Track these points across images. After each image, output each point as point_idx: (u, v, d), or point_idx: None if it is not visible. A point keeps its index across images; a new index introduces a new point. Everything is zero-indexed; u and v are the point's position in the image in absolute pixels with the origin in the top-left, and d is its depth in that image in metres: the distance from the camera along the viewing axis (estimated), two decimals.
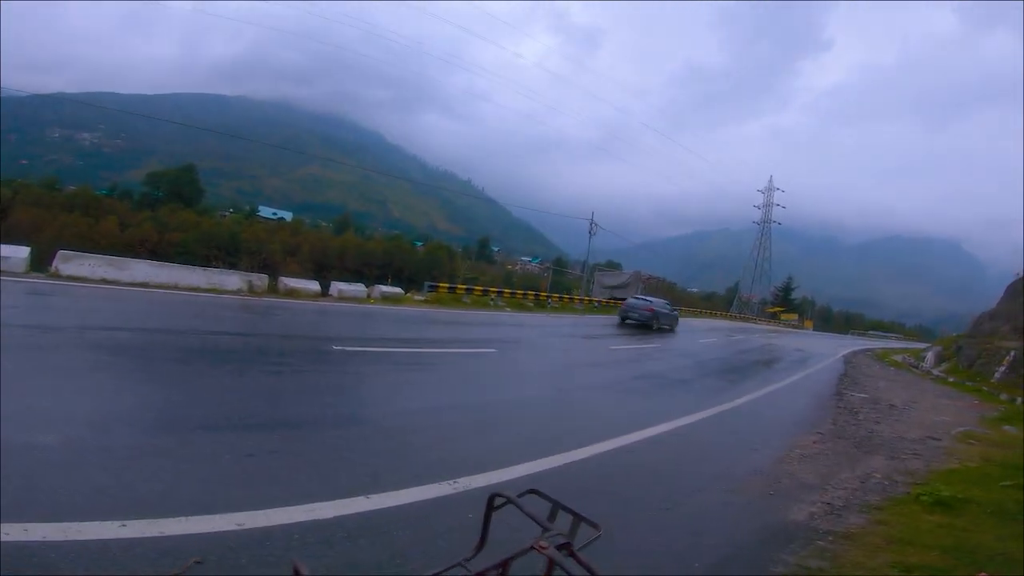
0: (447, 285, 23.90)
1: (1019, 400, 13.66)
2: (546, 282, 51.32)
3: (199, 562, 2.46)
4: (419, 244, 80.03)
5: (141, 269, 12.83)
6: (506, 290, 28.11)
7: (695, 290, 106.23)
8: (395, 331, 12.34)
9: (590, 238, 41.46)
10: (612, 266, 55.66)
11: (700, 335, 24.37)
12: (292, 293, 15.10)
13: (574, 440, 5.29)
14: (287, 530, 2.86)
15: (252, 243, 51.71)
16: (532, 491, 1.23)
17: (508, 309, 22.97)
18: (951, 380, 17.92)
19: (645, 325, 22.34)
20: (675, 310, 26.84)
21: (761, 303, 69.98)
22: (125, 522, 2.64)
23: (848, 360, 21.86)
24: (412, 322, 14.32)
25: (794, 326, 59.70)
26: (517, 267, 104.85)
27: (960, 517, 4.43)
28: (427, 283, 23.69)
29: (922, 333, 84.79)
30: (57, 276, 11.25)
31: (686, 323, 27.27)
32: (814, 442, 6.93)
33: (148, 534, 2.60)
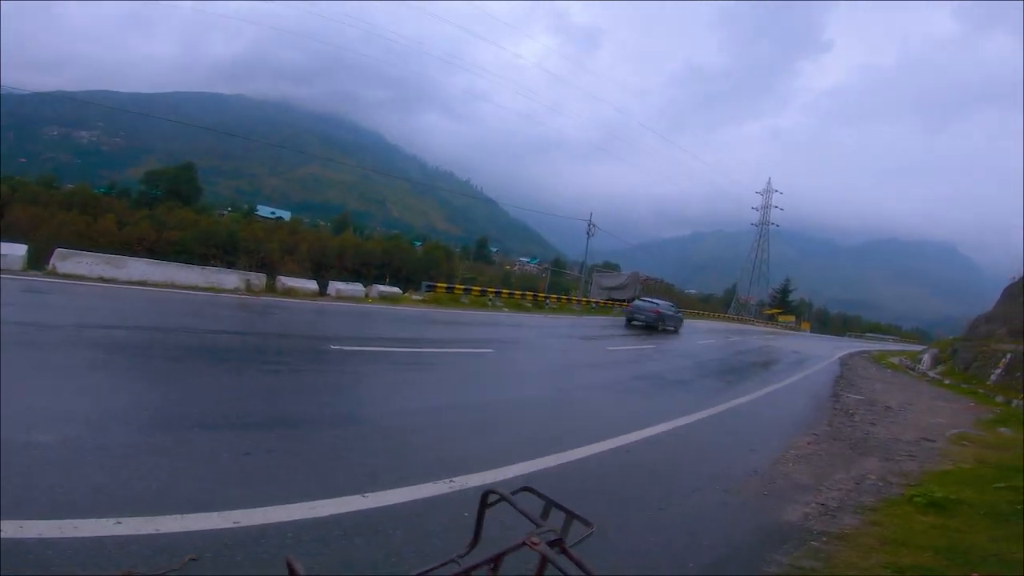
0: (445, 285, 23.89)
1: (1015, 402, 13.70)
2: (544, 283, 51.36)
3: (194, 559, 2.47)
4: (417, 244, 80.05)
5: (139, 267, 12.82)
6: (504, 290, 28.11)
7: (692, 291, 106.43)
8: (393, 331, 12.34)
9: (588, 239, 41.51)
10: (610, 267, 55.68)
11: (698, 336, 24.40)
12: (290, 292, 15.10)
13: (571, 440, 5.31)
14: (283, 528, 2.87)
15: (250, 242, 51.72)
16: (526, 489, 1.24)
17: (506, 309, 22.98)
18: (947, 382, 17.97)
19: (651, 326, 22.60)
20: (679, 312, 27.18)
21: (759, 305, 70.03)
22: (121, 519, 2.65)
23: (845, 362, 21.91)
24: (410, 322, 14.32)
25: (791, 328, 59.77)
26: (515, 267, 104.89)
27: (953, 518, 4.45)
28: (425, 283, 23.70)
29: (919, 335, 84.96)
30: (54, 274, 11.24)
31: (684, 324, 27.32)
32: (809, 443, 6.95)
33: (144, 531, 2.61)
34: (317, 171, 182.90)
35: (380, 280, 30.25)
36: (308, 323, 11.55)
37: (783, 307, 70.61)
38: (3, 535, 2.38)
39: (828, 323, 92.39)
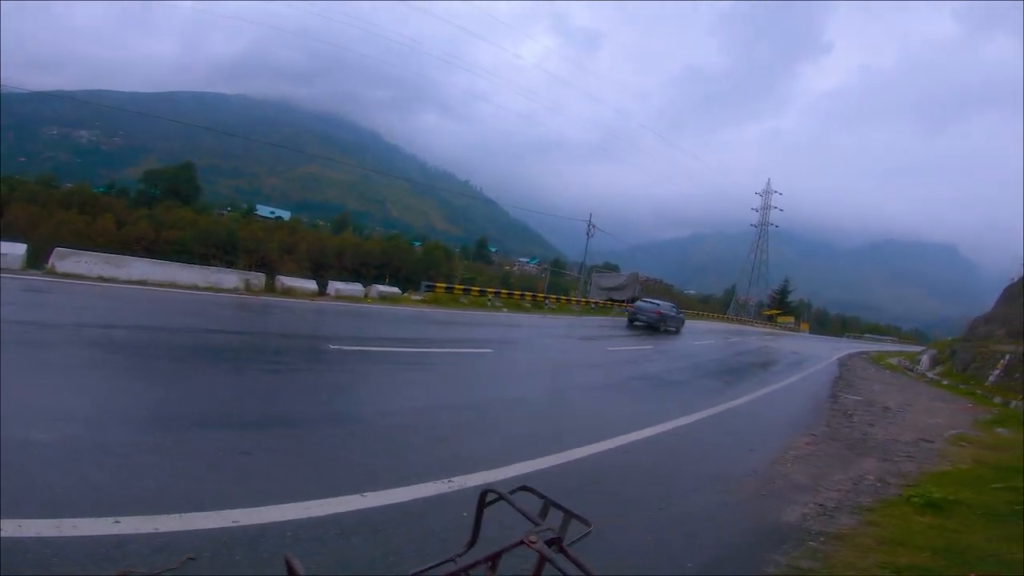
0: (444, 285, 23.88)
1: (1013, 403, 13.72)
2: (543, 283, 51.33)
3: (192, 558, 2.47)
4: (417, 244, 79.94)
5: (138, 267, 12.81)
6: (503, 291, 28.10)
7: (692, 292, 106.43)
8: (392, 331, 12.34)
9: (587, 239, 41.53)
10: (609, 268, 55.69)
11: (697, 337, 24.41)
12: (289, 292, 15.09)
13: (570, 440, 5.31)
14: (282, 527, 2.87)
15: (250, 242, 51.64)
16: (524, 488, 1.24)
17: (505, 310, 22.98)
18: (945, 383, 17.99)
19: (653, 327, 22.88)
20: (681, 313, 27.47)
21: (758, 306, 70.06)
22: (119, 518, 2.65)
23: (843, 363, 21.94)
24: (409, 322, 14.32)
25: (790, 329, 59.81)
26: (515, 268, 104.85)
27: (951, 519, 4.46)
28: (424, 283, 23.68)
29: (918, 336, 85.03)
30: (53, 273, 11.23)
31: (684, 325, 27.42)
32: (808, 444, 6.96)
33: (142, 530, 2.61)
34: (317, 171, 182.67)
35: (379, 280, 30.22)
36: (307, 323, 11.55)
37: (782, 308, 70.60)
38: (2, 534, 2.38)
39: (827, 324, 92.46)
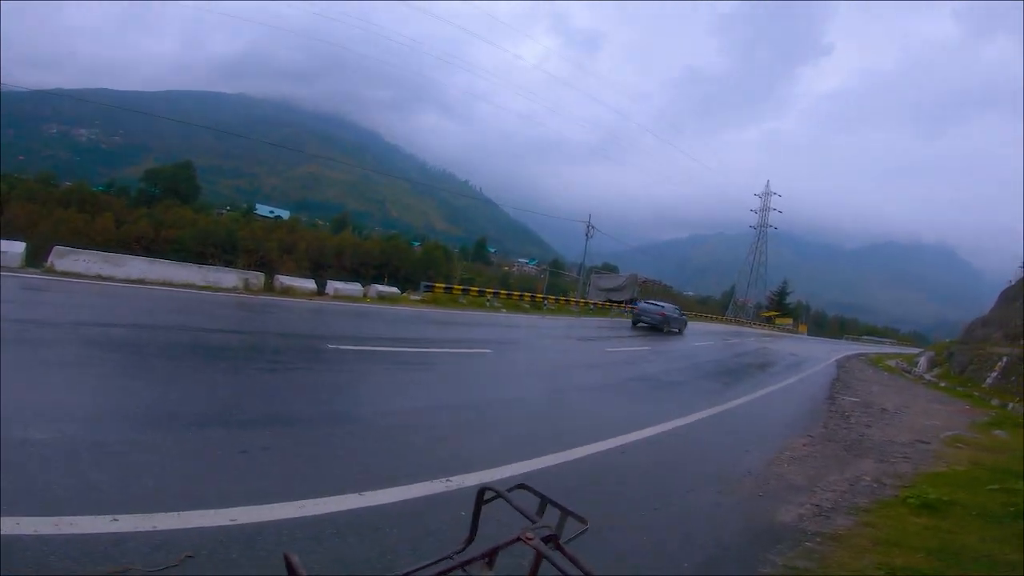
0: (443, 285, 23.90)
1: (1010, 405, 13.76)
2: (542, 284, 51.31)
3: (191, 556, 2.48)
4: (416, 244, 79.90)
5: (137, 266, 12.81)
6: (502, 291, 28.11)
7: (691, 294, 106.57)
8: (391, 331, 12.34)
9: (587, 240, 41.54)
10: (608, 269, 55.73)
11: (696, 338, 24.44)
12: (288, 291, 15.09)
13: (568, 440, 5.33)
14: (280, 526, 2.88)
15: (249, 241, 51.58)
16: (521, 486, 1.25)
17: (504, 310, 22.99)
18: (943, 385, 18.03)
19: (656, 327, 23.43)
20: (683, 314, 28.00)
21: (756, 307, 70.13)
22: (117, 516, 2.66)
23: (841, 365, 21.96)
24: (408, 322, 14.33)
25: (789, 330, 59.87)
26: (514, 268, 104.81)
27: (946, 519, 4.48)
28: (423, 283, 23.69)
29: (916, 339, 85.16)
30: (52, 272, 11.22)
31: (686, 327, 27.57)
32: (805, 445, 6.98)
33: (140, 528, 2.62)
34: (316, 170, 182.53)
35: (378, 280, 30.21)
36: (306, 322, 11.55)
37: (781, 310, 70.67)
38: (1, 532, 2.38)
39: (825, 326, 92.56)
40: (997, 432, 9.64)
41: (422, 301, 19.89)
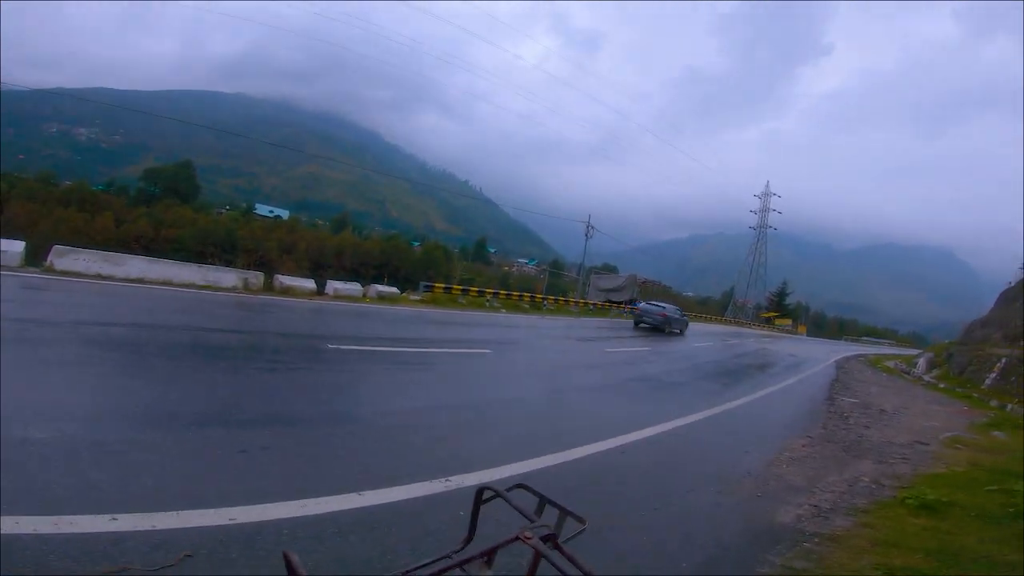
0: (443, 285, 23.92)
1: (1009, 406, 13.78)
2: (542, 284, 51.32)
3: (189, 556, 2.48)
4: (416, 244, 79.92)
5: (136, 265, 12.80)
6: (502, 291, 28.12)
7: (690, 294, 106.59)
8: (390, 330, 12.35)
9: (586, 241, 41.57)
10: (608, 269, 55.76)
11: (695, 339, 24.46)
12: (288, 291, 15.09)
13: (568, 440, 5.33)
14: (279, 525, 2.88)
15: (248, 241, 51.49)
16: (520, 486, 1.25)
17: (504, 310, 23.00)
18: (942, 386, 18.05)
19: (658, 328, 23.74)
20: (685, 315, 28.38)
21: (756, 308, 70.17)
22: (116, 516, 2.66)
23: (841, 365, 21.98)
24: (408, 322, 14.33)
25: (788, 331, 59.93)
26: (513, 268, 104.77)
27: (944, 520, 4.49)
28: (423, 283, 23.70)
29: (915, 340, 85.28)
30: (52, 271, 11.22)
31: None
32: (804, 446, 6.99)
33: (139, 528, 2.62)
34: (316, 170, 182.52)
35: (378, 280, 30.18)
36: (305, 322, 11.56)
37: (780, 310, 70.72)
38: (1, 531, 2.38)
39: (824, 327, 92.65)
40: (996, 433, 9.65)
41: (422, 301, 19.89)
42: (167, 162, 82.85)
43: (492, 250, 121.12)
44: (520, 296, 27.49)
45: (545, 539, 1.01)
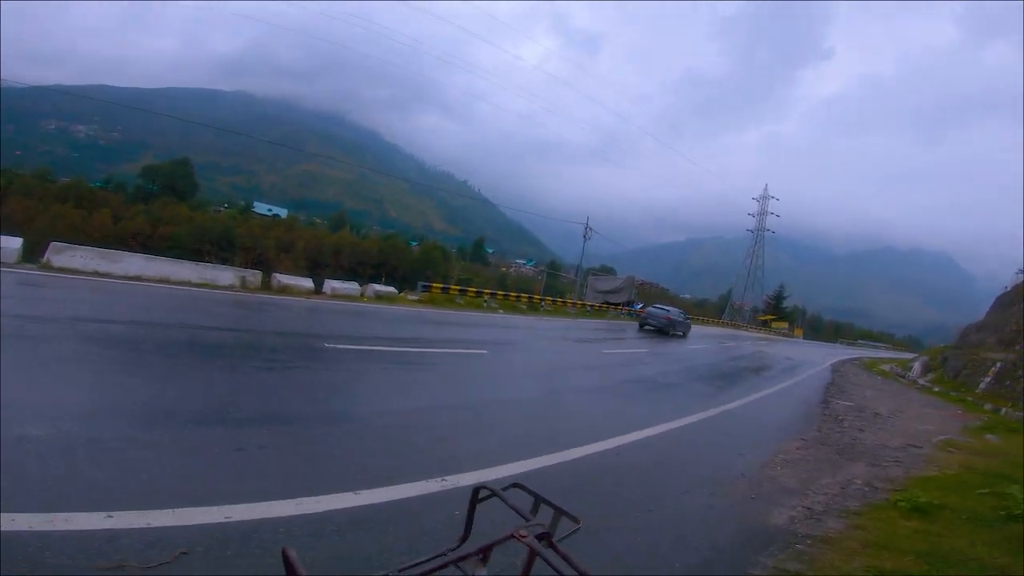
0: (441, 285, 23.92)
1: (1004, 410, 13.86)
2: (540, 285, 51.36)
3: (185, 553, 2.49)
4: (414, 244, 79.94)
5: (134, 262, 12.78)
6: (500, 292, 28.14)
7: (687, 296, 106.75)
8: (388, 330, 12.35)
9: (584, 242, 41.62)
10: (606, 271, 55.89)
11: (692, 341, 24.54)
12: (285, 290, 15.07)
13: (563, 441, 5.35)
14: (275, 523, 2.90)
15: (246, 239, 51.42)
16: (515, 485, 1.27)
17: (501, 311, 23.01)
18: (936, 390, 18.13)
19: (662, 331, 24.42)
20: (688, 319, 29.06)
21: (753, 311, 70.30)
22: (112, 513, 2.67)
23: (836, 369, 22.06)
24: (405, 322, 14.33)
25: (784, 334, 60.04)
26: (511, 269, 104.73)
27: (936, 523, 4.53)
28: (421, 283, 23.70)
29: (911, 344, 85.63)
30: (49, 267, 11.19)
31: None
32: (798, 448, 7.02)
33: (135, 525, 2.63)
34: (315, 169, 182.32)
35: (376, 279, 30.18)
36: (303, 321, 11.55)
37: (777, 313, 70.78)
38: None
39: (821, 330, 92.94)
40: (989, 436, 9.71)
41: (419, 301, 19.89)
42: (165, 159, 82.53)
43: (490, 250, 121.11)
44: (517, 297, 27.52)
45: (540, 538, 1.03)
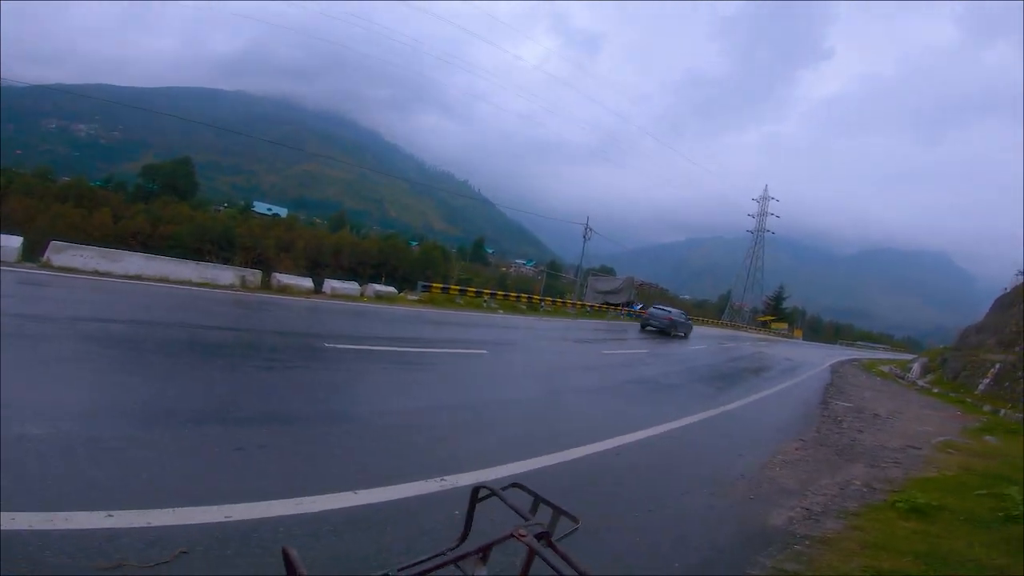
0: (441, 285, 23.93)
1: (1003, 412, 13.87)
2: (540, 285, 51.35)
3: (185, 552, 2.50)
4: (414, 244, 79.96)
5: (134, 262, 12.78)
6: (499, 292, 28.15)
7: (687, 297, 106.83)
8: (388, 330, 12.36)
9: (584, 242, 41.63)
10: (605, 271, 55.90)
11: (692, 342, 24.55)
12: (285, 289, 15.08)
13: (563, 441, 5.36)
14: (275, 523, 2.90)
15: (246, 238, 51.45)
16: (515, 485, 1.28)
17: (501, 311, 23.01)
18: (936, 391, 18.13)
19: (664, 331, 24.66)
20: (689, 319, 29.32)
21: (752, 311, 70.32)
22: (112, 512, 2.67)
23: (835, 370, 22.06)
24: (405, 322, 14.34)
25: (784, 335, 60.06)
26: (511, 269, 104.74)
27: (934, 524, 4.53)
28: (421, 283, 23.70)
29: (911, 345, 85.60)
30: (49, 267, 11.20)
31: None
32: (797, 449, 7.03)
33: (135, 524, 2.63)
34: (315, 169, 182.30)
35: (376, 279, 30.19)
36: (303, 320, 11.55)
37: (777, 314, 70.80)
38: None
39: (821, 331, 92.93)
40: (988, 438, 9.71)
41: (419, 301, 19.89)
42: (166, 159, 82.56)
43: (490, 251, 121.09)
44: (517, 297, 27.53)
45: (539, 537, 1.03)
